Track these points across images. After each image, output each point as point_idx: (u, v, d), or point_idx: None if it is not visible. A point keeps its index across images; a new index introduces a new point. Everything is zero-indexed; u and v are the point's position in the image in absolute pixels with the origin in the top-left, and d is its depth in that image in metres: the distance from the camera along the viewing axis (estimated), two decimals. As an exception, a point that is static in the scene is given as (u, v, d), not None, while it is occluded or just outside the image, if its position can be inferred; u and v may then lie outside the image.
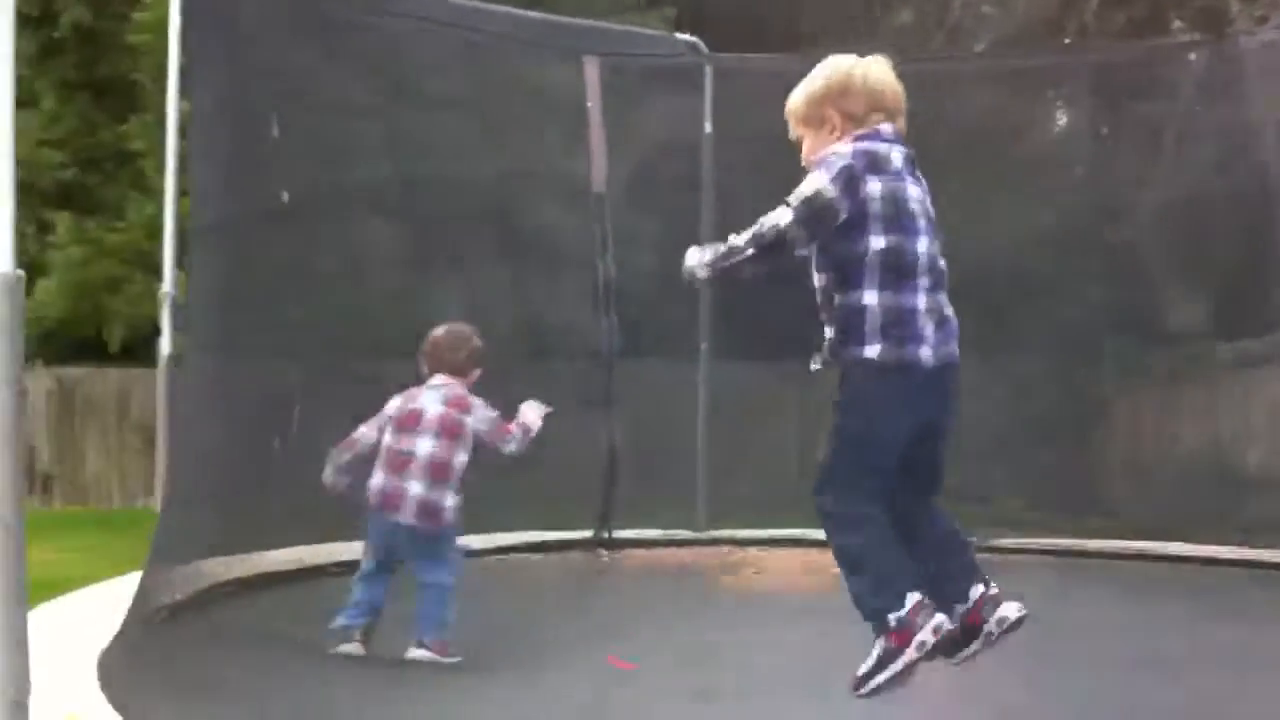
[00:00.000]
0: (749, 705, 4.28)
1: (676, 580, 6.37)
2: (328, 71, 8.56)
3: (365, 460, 5.11)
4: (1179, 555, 7.31)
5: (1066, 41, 11.78)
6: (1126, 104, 10.77)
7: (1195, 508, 8.36)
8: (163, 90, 6.64)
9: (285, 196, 7.09)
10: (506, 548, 7.17)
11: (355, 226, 8.73)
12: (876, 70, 3.42)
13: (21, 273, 3.28)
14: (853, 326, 3.27)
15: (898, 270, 3.26)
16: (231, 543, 6.06)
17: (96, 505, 13.86)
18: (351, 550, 6.72)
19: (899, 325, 3.23)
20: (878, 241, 3.24)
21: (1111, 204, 10.34)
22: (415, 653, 4.86)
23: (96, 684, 4.33)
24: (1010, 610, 3.34)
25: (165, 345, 6.33)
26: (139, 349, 13.21)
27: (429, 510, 4.96)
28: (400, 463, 5.01)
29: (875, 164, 3.28)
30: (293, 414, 6.53)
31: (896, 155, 3.34)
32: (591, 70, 7.92)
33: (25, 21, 13.42)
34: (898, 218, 3.27)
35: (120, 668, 4.52)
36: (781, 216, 3.23)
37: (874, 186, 3.24)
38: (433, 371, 5.20)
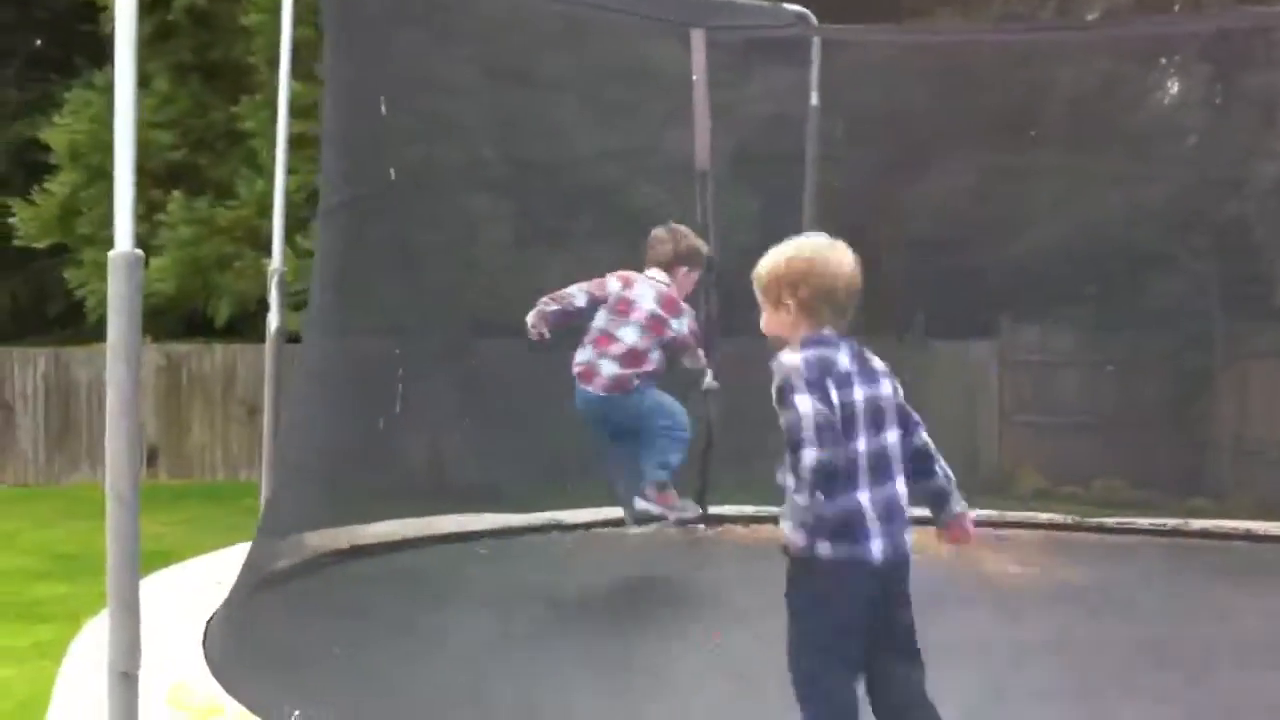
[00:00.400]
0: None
1: (772, 554, 6.36)
2: (437, 51, 8.63)
3: (567, 317, 5.74)
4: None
5: (1177, 9, 11.46)
6: (1241, 73, 10.45)
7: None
8: (275, 71, 6.72)
9: (392, 174, 7.16)
10: (605, 521, 7.19)
11: (464, 207, 8.82)
12: (835, 259, 3.37)
13: (140, 252, 3.34)
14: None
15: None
16: (336, 516, 6.16)
17: (200, 478, 14.20)
18: (449, 524, 6.84)
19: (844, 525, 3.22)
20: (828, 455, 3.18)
21: (1224, 177, 10.05)
22: (640, 504, 5.25)
23: (201, 654, 4.42)
24: None
25: (274, 321, 6.42)
26: (243, 325, 13.50)
27: (618, 383, 5.64)
28: (603, 343, 5.70)
29: (826, 371, 3.26)
30: (398, 392, 6.61)
31: (843, 356, 3.31)
32: (698, 43, 7.82)
33: (141, 6, 13.69)
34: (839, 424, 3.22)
35: (225, 638, 4.62)
36: (807, 457, 3.12)
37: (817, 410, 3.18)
38: (649, 264, 5.95)
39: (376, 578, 5.84)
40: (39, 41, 17.88)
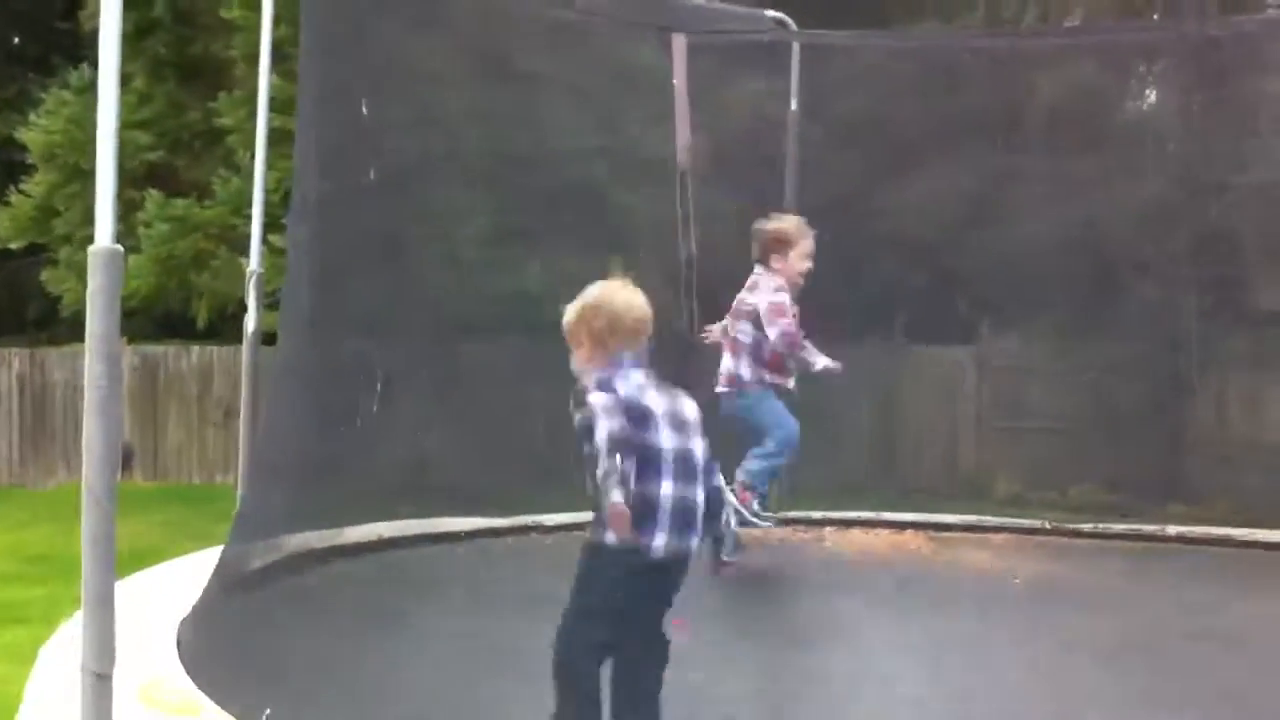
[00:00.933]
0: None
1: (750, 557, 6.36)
2: (419, 49, 8.62)
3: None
4: (1261, 541, 7.12)
5: (1157, 17, 11.53)
6: (1219, 81, 10.51)
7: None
8: (254, 67, 6.69)
9: (372, 174, 7.14)
10: (583, 524, 7.18)
11: (442, 204, 8.80)
12: (622, 298, 3.82)
13: (120, 248, 3.32)
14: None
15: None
16: (313, 517, 6.13)
17: (176, 480, 14.11)
18: (429, 525, 6.81)
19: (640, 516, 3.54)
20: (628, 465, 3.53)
21: (1202, 183, 10.11)
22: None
23: (174, 655, 4.39)
24: None
25: (250, 321, 6.39)
26: (221, 327, 13.44)
27: (728, 380, 6.02)
28: (731, 346, 6.12)
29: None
30: (376, 391, 6.58)
31: (637, 375, 3.73)
32: (679, 47, 7.85)
33: (125, 3, 13.64)
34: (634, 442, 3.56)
35: (198, 639, 4.58)
36: (605, 469, 3.48)
37: (615, 425, 3.53)
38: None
39: (352, 578, 5.81)
40: (16, 39, 17.78)
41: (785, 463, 6.04)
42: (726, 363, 6.07)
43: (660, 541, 3.54)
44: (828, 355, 6.11)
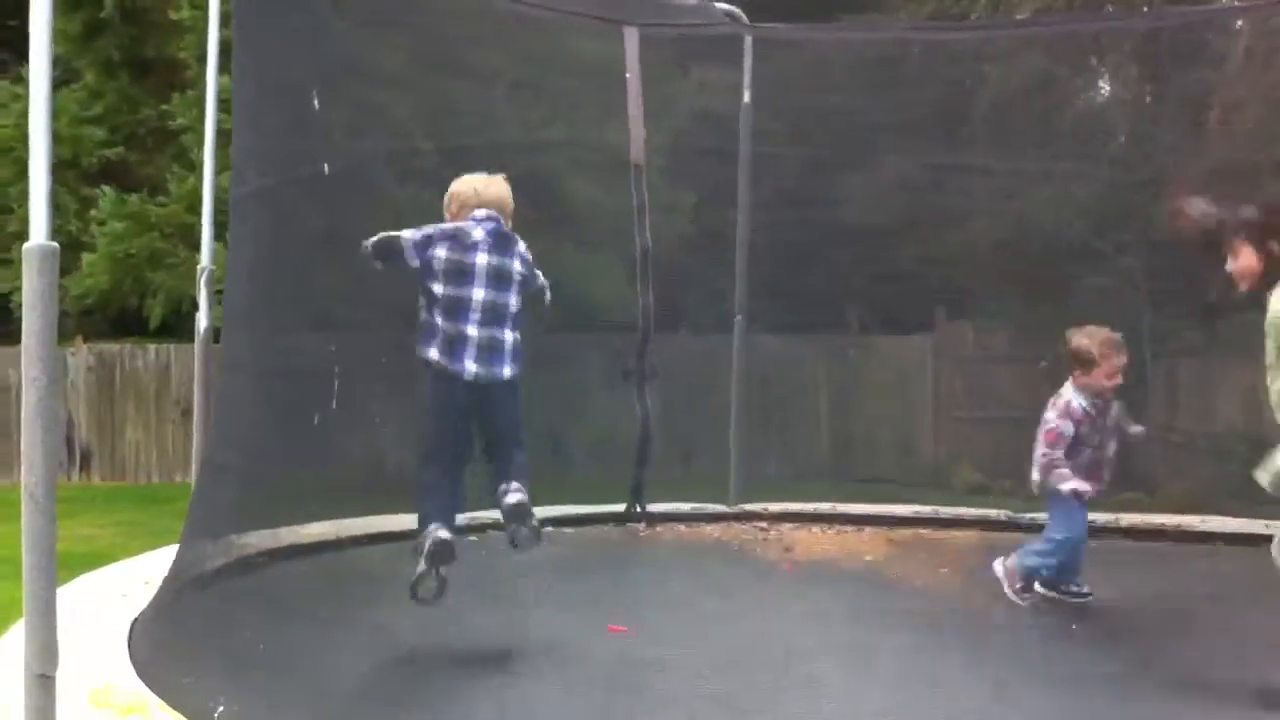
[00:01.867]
0: (780, 676, 4.26)
1: (706, 554, 6.36)
2: (366, 42, 8.58)
3: None
4: (1215, 531, 7.19)
5: (1110, 9, 11.61)
6: (1170, 72, 10.60)
7: (1232, 482, 8.24)
8: (204, 65, 6.65)
9: (326, 168, 7.08)
10: (544, 520, 7.17)
11: (393, 197, 8.76)
12: (475, 182, 5.13)
13: (55, 245, 3.29)
14: (424, 338, 4.87)
15: (453, 309, 4.81)
16: (266, 516, 6.10)
17: (135, 481, 14.01)
18: (386, 523, 6.78)
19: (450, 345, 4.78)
20: (438, 288, 4.82)
21: (1154, 174, 10.19)
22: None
23: (127, 656, 4.37)
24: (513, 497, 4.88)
25: (203, 319, 6.36)
26: (178, 326, 13.34)
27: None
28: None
29: (449, 238, 4.88)
30: (330, 388, 6.54)
31: (478, 232, 4.91)
32: (631, 40, 7.85)
33: (73, 3, 13.58)
34: (456, 274, 4.82)
35: (151, 640, 4.57)
36: (370, 241, 4.96)
37: (440, 252, 4.85)
38: None
39: (306, 577, 5.79)
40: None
41: (1060, 561, 5.67)
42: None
43: (470, 367, 4.71)
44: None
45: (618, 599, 5.36)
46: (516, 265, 4.90)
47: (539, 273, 5.04)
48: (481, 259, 4.83)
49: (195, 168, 12.42)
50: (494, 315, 4.78)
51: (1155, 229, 10.30)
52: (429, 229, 4.87)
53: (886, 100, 9.37)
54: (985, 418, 10.79)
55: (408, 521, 6.85)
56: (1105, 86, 11.91)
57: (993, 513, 7.85)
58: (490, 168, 8.24)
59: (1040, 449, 5.67)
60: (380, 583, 5.57)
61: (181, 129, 12.86)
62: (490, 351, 4.77)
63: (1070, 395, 5.70)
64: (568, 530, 7.08)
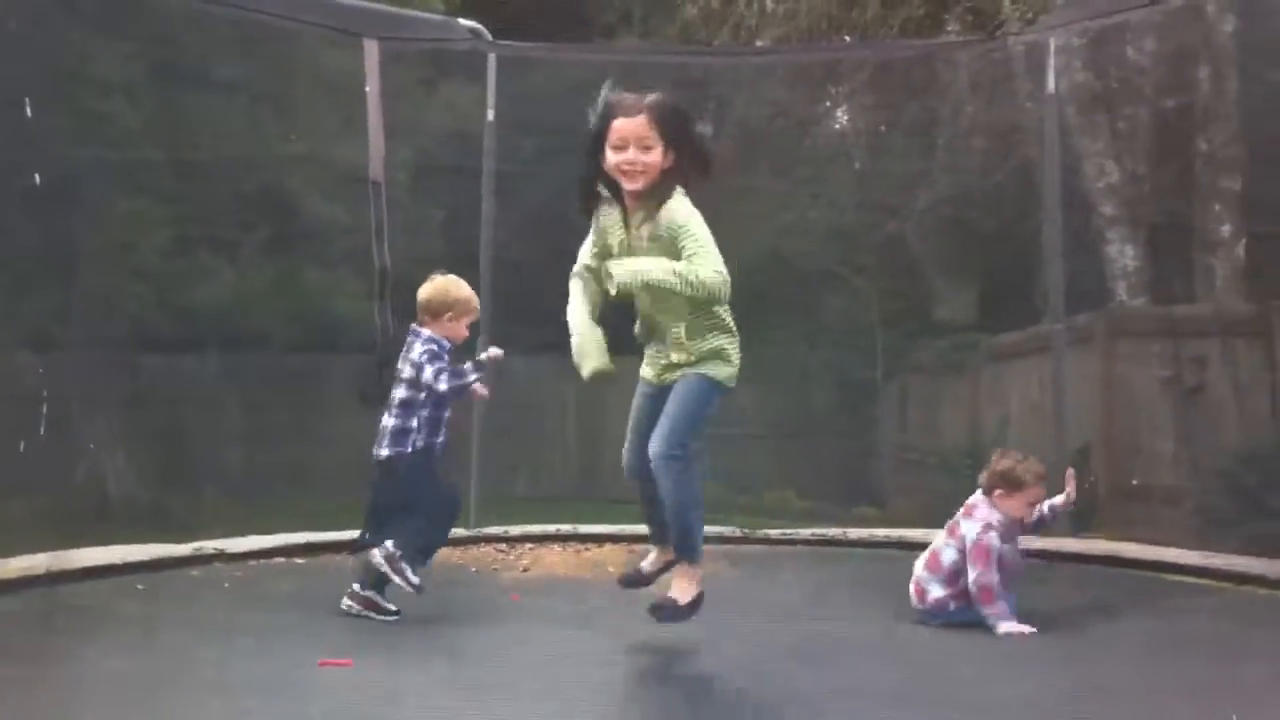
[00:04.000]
0: (513, 702, 4.20)
1: (438, 578, 6.23)
2: (96, 49, 8.20)
3: None
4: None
5: (847, 39, 12.04)
6: (903, 101, 11.06)
7: (958, 495, 8.62)
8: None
9: (37, 179, 6.72)
10: (274, 549, 6.93)
11: (120, 214, 8.39)
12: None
13: None
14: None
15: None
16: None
17: None
18: (103, 555, 6.41)
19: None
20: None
21: (885, 200, 10.62)
22: None
23: None
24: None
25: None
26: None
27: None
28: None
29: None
30: (40, 411, 6.17)
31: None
32: (371, 53, 7.69)
33: None
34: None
35: None
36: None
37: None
38: None
39: (12, 616, 5.40)
40: None
41: None
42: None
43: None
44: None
45: (339, 629, 5.20)
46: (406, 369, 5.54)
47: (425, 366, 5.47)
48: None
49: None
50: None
51: (889, 253, 10.74)
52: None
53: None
54: (727, 435, 11.01)
55: (129, 554, 6.56)
56: (843, 115, 12.35)
57: (727, 530, 7.97)
58: (226, 182, 8.02)
59: (972, 572, 5.20)
60: (100, 621, 5.25)
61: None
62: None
63: (986, 510, 5.33)
64: (299, 560, 6.86)
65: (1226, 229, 10.11)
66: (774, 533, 8.06)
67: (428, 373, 5.34)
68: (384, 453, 5.45)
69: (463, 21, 8.01)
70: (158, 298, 8.28)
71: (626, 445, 4.91)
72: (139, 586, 6.12)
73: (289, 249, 8.83)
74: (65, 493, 7.19)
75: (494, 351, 5.69)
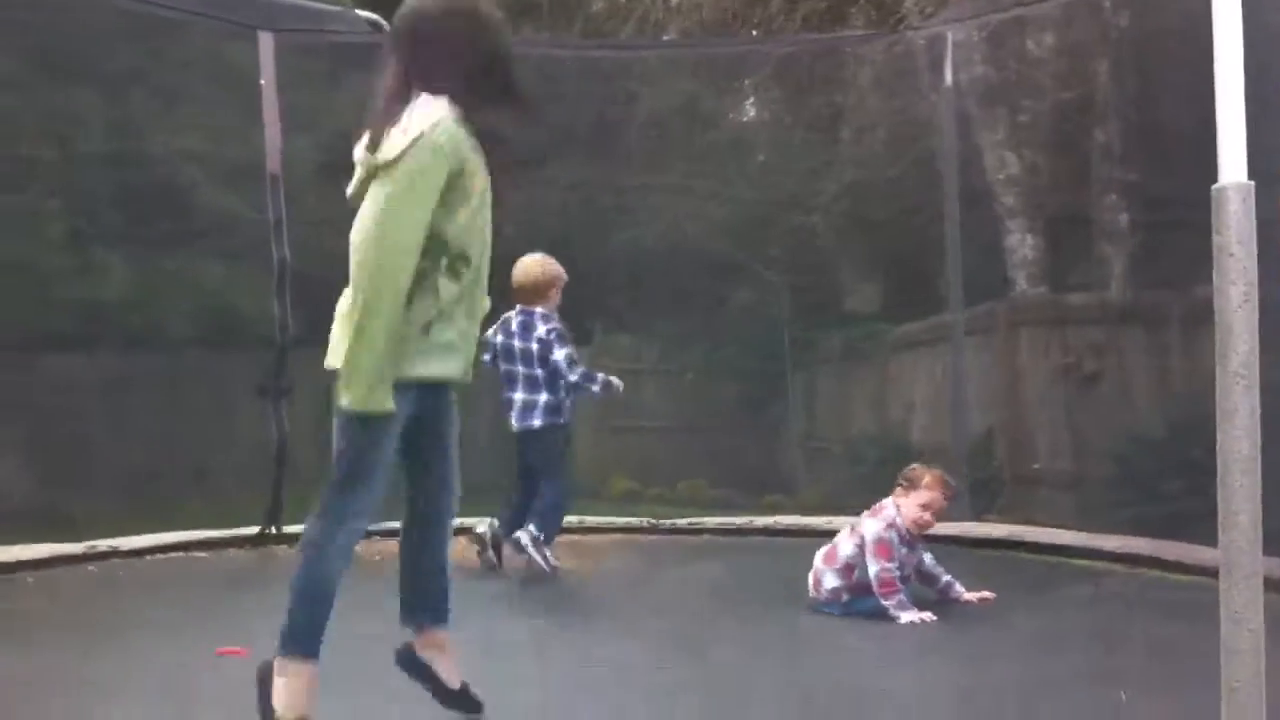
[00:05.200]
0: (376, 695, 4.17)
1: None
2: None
3: None
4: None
5: (754, 33, 12.11)
6: (807, 94, 11.14)
7: (865, 482, 8.73)
8: None
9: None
10: (171, 545, 6.84)
11: (7, 208, 8.21)
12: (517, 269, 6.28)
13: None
14: None
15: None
16: None
17: None
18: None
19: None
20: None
21: (791, 192, 10.69)
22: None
23: None
24: None
25: None
26: None
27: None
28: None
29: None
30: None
31: (513, 318, 6.29)
32: (266, 46, 7.59)
33: None
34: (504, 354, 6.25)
35: None
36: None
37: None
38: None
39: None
40: None
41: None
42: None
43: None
44: None
45: (238, 622, 5.13)
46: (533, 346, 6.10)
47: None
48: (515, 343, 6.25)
49: None
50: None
51: (795, 244, 10.81)
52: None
53: (538, 117, 9.42)
54: (635, 427, 11.03)
55: (22, 553, 6.43)
56: (750, 107, 12.42)
57: (636, 520, 8.02)
58: (120, 176, 7.87)
59: (874, 566, 5.26)
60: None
61: None
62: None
63: (890, 511, 5.41)
64: (200, 555, 6.77)
65: (1124, 219, 10.27)
66: (682, 522, 8.11)
67: (559, 355, 6.02)
68: (536, 423, 6.01)
69: (361, 14, 7.93)
70: (50, 295, 8.11)
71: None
72: (29, 580, 6.02)
73: (189, 242, 8.69)
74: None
75: (617, 381, 6.23)
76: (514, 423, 6.15)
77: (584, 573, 6.52)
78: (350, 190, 3.37)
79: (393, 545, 3.68)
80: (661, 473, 10.66)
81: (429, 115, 3.25)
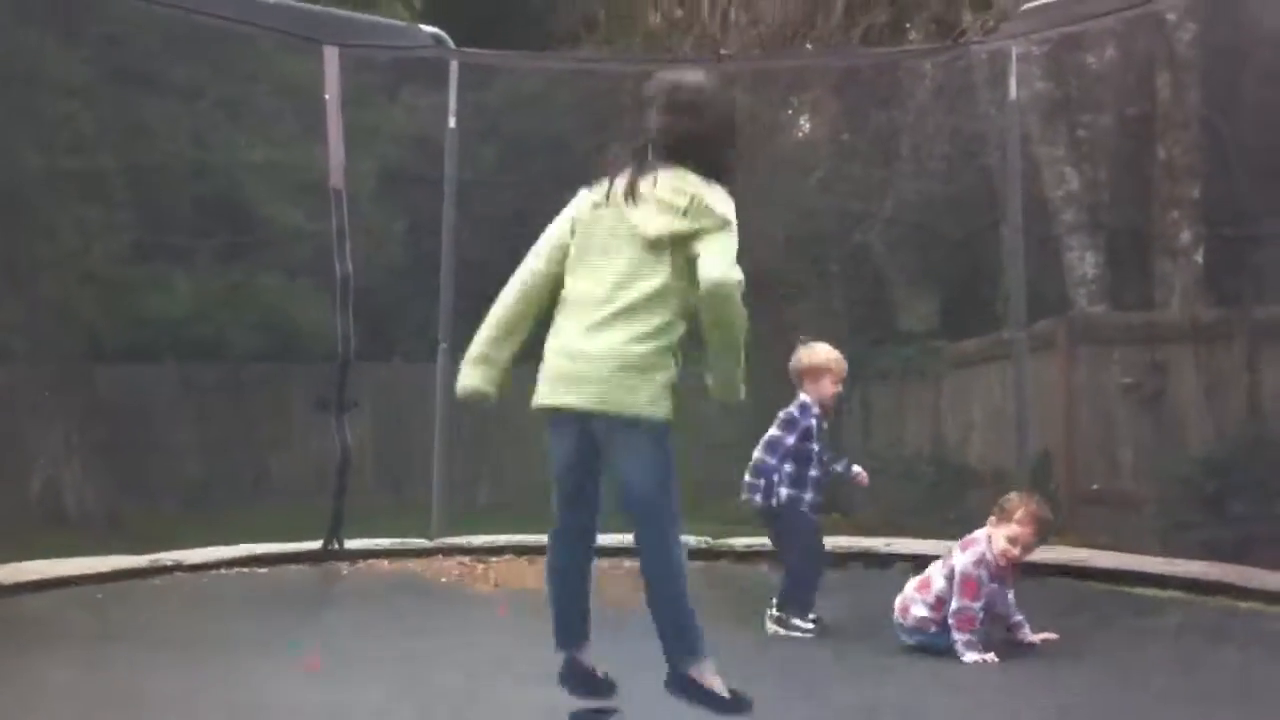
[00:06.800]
0: (473, 711, 4.16)
1: (402, 590, 6.18)
2: (53, 53, 8.11)
3: None
4: (903, 553, 7.39)
5: (809, 48, 12.05)
6: (866, 110, 11.09)
7: (920, 503, 8.66)
8: None
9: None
10: (234, 560, 6.86)
11: (73, 222, 8.31)
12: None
13: None
14: None
15: None
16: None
17: None
18: (58, 567, 6.34)
19: None
20: None
21: (850, 208, 10.64)
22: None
23: None
24: None
25: None
26: None
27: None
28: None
29: None
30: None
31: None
32: (331, 60, 7.61)
33: None
34: None
35: None
36: None
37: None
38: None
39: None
40: None
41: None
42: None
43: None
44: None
45: (304, 639, 5.14)
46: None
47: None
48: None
49: None
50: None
51: (852, 261, 10.76)
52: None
53: (595, 128, 9.45)
54: (696, 445, 11.00)
55: (86, 566, 6.48)
56: (806, 123, 12.38)
57: (694, 540, 7.89)
58: (185, 187, 7.90)
59: (957, 601, 5.10)
60: (58, 634, 5.18)
61: None
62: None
63: (982, 545, 5.17)
64: (262, 570, 6.79)
65: (1185, 235, 10.17)
66: (737, 543, 8.00)
67: (776, 436, 5.72)
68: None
69: (425, 28, 7.95)
70: (114, 307, 8.19)
71: None
72: (98, 596, 6.06)
73: (250, 256, 8.76)
74: (20, 505, 7.12)
75: (859, 472, 5.95)
76: None
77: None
78: (653, 232, 3.58)
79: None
80: (714, 491, 10.59)
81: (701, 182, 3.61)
